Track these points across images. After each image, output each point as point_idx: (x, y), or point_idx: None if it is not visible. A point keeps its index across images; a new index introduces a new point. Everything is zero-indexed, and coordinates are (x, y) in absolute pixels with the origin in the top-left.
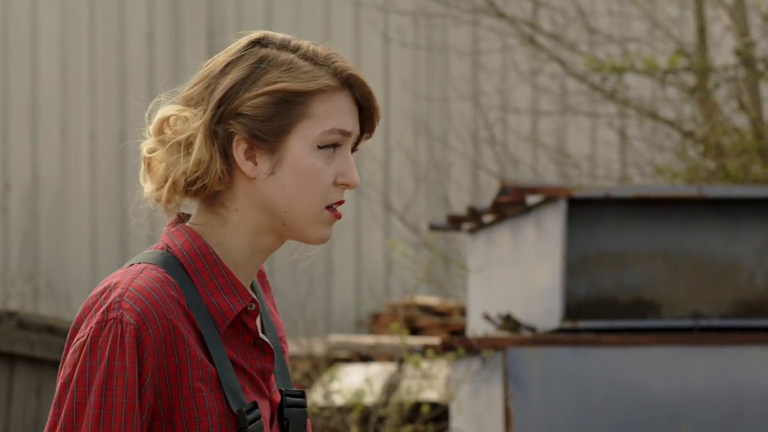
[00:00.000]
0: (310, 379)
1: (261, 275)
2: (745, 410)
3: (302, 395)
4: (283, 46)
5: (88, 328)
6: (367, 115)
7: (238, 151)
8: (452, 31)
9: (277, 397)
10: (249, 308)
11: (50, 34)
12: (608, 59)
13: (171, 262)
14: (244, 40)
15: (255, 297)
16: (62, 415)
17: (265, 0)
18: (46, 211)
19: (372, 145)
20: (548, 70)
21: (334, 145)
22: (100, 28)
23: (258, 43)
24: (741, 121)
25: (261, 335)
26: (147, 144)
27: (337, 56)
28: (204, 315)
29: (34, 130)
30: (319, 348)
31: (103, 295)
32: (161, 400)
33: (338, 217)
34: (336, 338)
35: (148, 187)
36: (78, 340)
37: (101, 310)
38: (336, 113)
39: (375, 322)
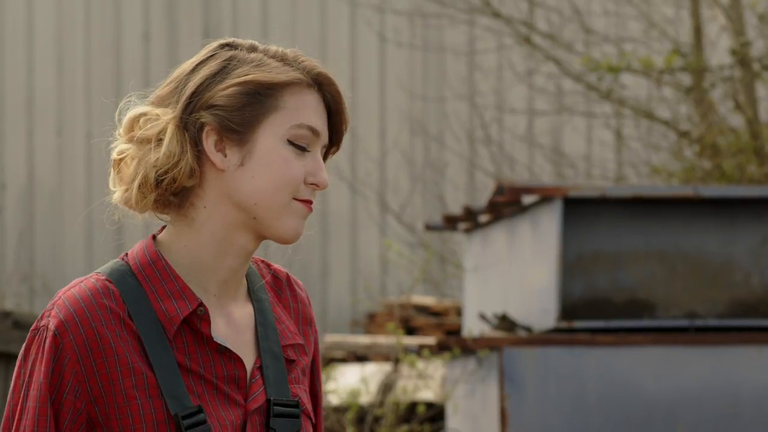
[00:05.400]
0: None
1: (278, 282)
2: (741, 410)
3: (296, 405)
4: (252, 48)
5: (27, 337)
6: (335, 121)
7: (209, 142)
8: (448, 31)
9: (253, 406)
10: (198, 312)
11: (46, 34)
12: (604, 59)
13: (122, 269)
14: (213, 44)
15: (203, 301)
16: (1, 420)
17: None
18: (42, 210)
19: (368, 144)
20: (544, 69)
21: (304, 147)
22: (95, 27)
23: (227, 45)
24: (737, 121)
25: (218, 340)
26: (117, 146)
27: (305, 57)
28: (151, 321)
29: (30, 129)
30: None
31: (48, 306)
32: (98, 407)
33: (310, 209)
34: (332, 338)
35: (118, 191)
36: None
37: (37, 319)
38: (305, 109)
39: (371, 322)
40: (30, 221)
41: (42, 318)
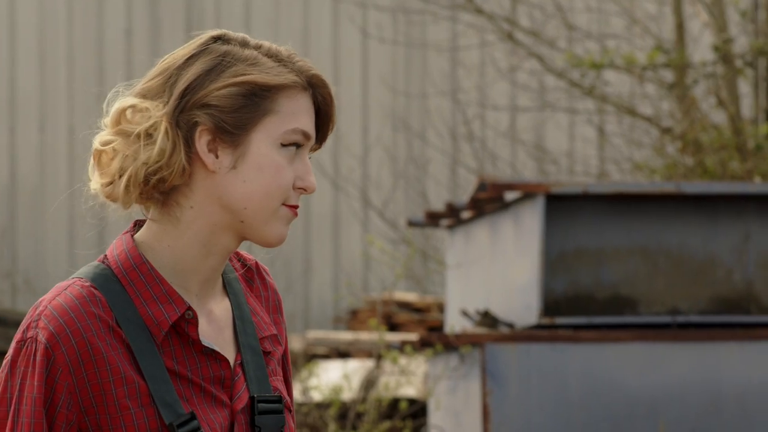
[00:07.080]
0: None
1: (249, 272)
2: (723, 406)
3: (278, 401)
4: (245, 43)
5: (11, 347)
6: (322, 122)
7: (201, 142)
8: (431, 27)
9: (239, 405)
10: (186, 316)
11: (28, 30)
12: (587, 55)
13: (104, 274)
14: (204, 36)
15: (191, 305)
16: None
17: None
18: (24, 207)
19: (351, 140)
20: (527, 66)
21: (296, 145)
22: (78, 23)
23: (219, 39)
24: (719, 117)
25: (205, 343)
26: (101, 136)
27: (299, 57)
28: (138, 327)
29: (12, 125)
30: (297, 344)
31: (31, 314)
32: (89, 418)
33: (296, 214)
34: (314, 334)
35: (96, 181)
36: (5, 358)
37: (23, 330)
38: (300, 113)
39: (353, 319)
40: (12, 217)
41: (29, 329)
